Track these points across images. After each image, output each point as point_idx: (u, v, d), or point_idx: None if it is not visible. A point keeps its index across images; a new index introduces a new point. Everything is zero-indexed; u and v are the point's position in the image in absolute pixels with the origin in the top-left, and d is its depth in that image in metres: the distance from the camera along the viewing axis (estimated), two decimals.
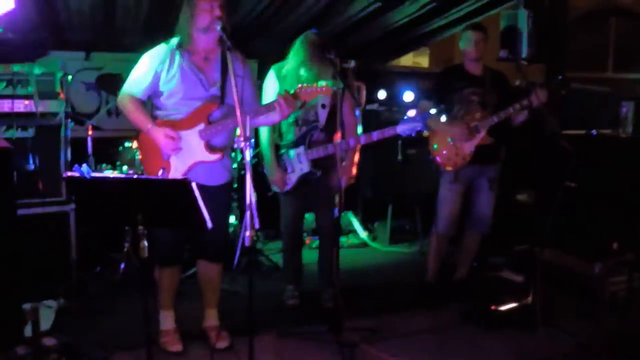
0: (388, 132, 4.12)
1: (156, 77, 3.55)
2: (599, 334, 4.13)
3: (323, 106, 4.32)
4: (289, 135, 4.38)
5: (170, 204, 2.76)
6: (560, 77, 4.34)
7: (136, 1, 4.94)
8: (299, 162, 4.32)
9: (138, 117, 3.58)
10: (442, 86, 4.66)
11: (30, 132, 4.52)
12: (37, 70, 4.53)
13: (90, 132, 4.89)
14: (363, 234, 6.56)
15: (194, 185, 2.64)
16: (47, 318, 3.89)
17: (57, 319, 3.98)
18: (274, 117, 3.61)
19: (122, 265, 4.87)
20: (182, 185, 2.62)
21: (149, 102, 3.72)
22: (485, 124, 4.51)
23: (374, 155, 6.37)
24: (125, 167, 5.05)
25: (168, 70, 3.54)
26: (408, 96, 6.61)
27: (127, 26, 5.47)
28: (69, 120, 4.62)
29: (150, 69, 3.55)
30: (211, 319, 3.94)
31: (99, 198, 2.77)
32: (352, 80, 4.30)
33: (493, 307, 4.32)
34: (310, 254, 5.08)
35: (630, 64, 9.88)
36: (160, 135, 3.51)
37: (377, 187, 6.59)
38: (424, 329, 4.21)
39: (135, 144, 4.92)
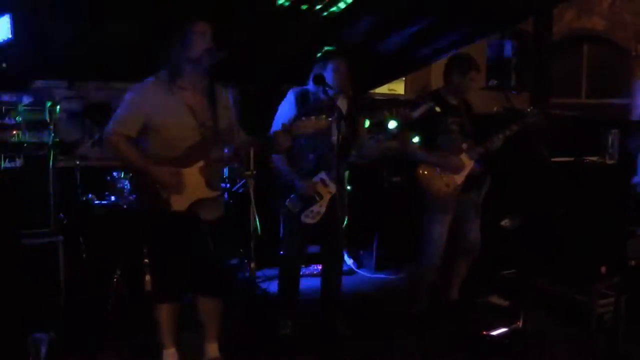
0: None
1: (147, 117, 3.36)
2: (589, 358, 4.17)
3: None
4: (304, 162, 4.29)
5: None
6: (530, 108, 4.44)
7: (126, 29, 4.92)
8: (324, 187, 4.26)
9: (135, 158, 3.38)
10: (426, 115, 4.51)
11: (18, 163, 4.47)
12: (25, 100, 4.50)
13: (77, 162, 4.85)
14: (349, 261, 6.53)
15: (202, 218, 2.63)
16: None
17: (49, 353, 3.89)
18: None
19: (111, 297, 4.78)
20: (192, 219, 2.61)
21: None
22: (474, 154, 4.56)
23: (359, 182, 6.40)
24: (113, 198, 4.98)
25: (158, 108, 3.37)
26: (392, 124, 6.68)
27: (114, 54, 5.44)
28: (58, 150, 4.59)
29: (139, 108, 3.38)
30: (212, 352, 3.79)
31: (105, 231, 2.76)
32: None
33: (484, 332, 4.34)
34: None
35: (603, 89, 10.13)
36: (164, 173, 3.34)
37: (363, 214, 6.60)
38: (418, 356, 4.20)
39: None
